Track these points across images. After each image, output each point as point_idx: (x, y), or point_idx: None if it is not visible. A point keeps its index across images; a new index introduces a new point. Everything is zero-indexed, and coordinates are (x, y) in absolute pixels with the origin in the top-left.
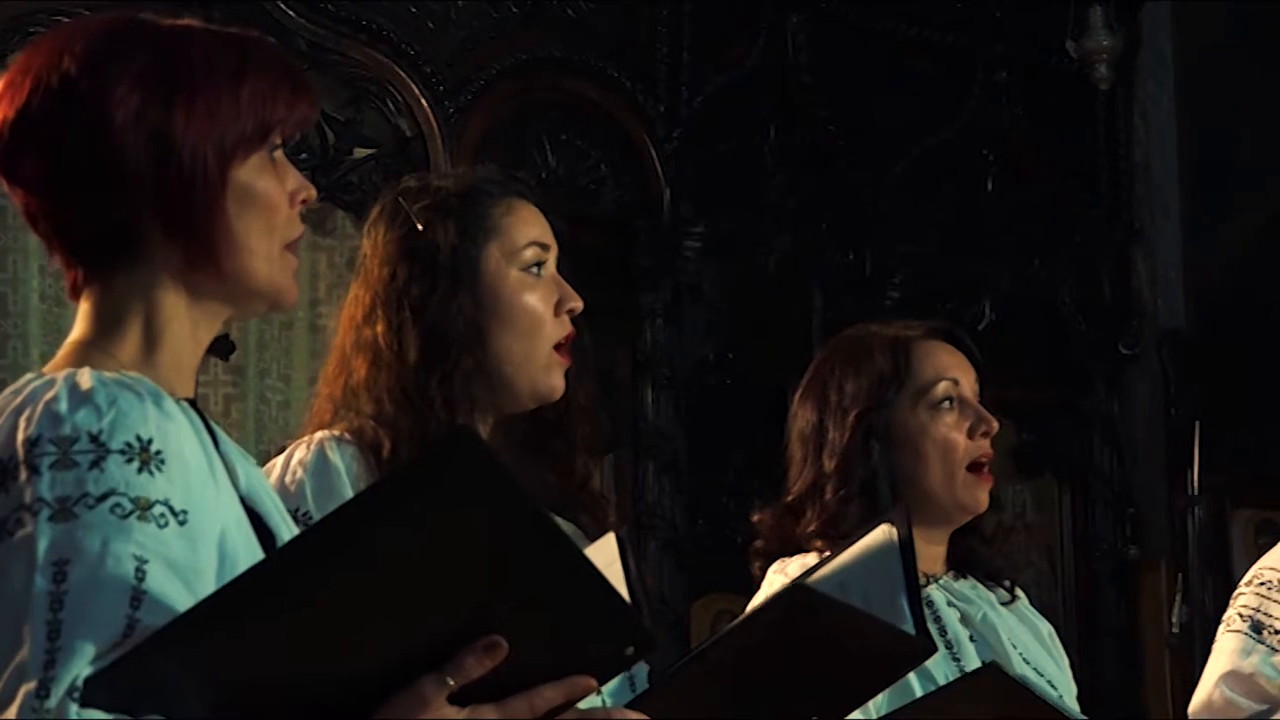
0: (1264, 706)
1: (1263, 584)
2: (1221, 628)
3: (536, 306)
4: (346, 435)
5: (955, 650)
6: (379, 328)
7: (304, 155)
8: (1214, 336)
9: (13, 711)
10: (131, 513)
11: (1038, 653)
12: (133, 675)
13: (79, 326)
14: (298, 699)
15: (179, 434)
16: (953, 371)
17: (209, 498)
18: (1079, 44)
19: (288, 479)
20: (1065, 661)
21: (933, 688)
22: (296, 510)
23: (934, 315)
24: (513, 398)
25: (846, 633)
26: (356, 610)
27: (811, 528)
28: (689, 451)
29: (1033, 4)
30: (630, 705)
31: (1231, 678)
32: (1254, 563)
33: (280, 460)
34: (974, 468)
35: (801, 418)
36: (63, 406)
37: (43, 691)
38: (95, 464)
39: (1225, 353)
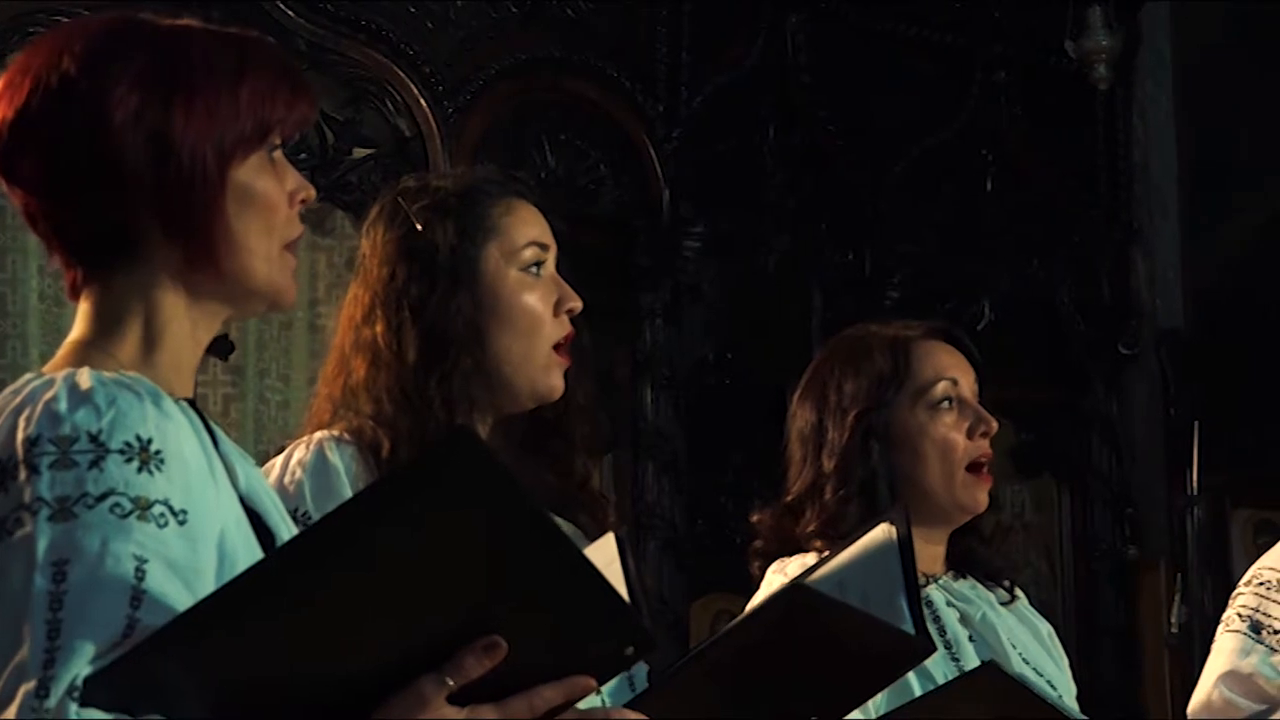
0: (1263, 706)
1: (1262, 584)
2: (1220, 628)
3: (535, 306)
4: (345, 435)
5: (954, 650)
6: (378, 328)
7: (303, 155)
8: (1213, 336)
9: (12, 711)
10: (131, 512)
11: (1037, 653)
12: (132, 675)
13: (78, 326)
14: (297, 698)
15: (178, 434)
16: (952, 371)
17: (208, 497)
18: (1078, 44)
19: (287, 479)
20: (1065, 661)
21: (932, 687)
22: (296, 510)
23: (933, 315)
24: (512, 398)
25: (845, 632)
26: (356, 610)
27: (811, 528)
28: (688, 451)
29: (1032, 4)
30: (629, 705)
31: (1230, 678)
32: (1253, 563)
33: (279, 460)
34: (973, 468)
35: (801, 418)
36: (62, 406)
37: (42, 691)
38: (95, 464)
39: (1224, 353)
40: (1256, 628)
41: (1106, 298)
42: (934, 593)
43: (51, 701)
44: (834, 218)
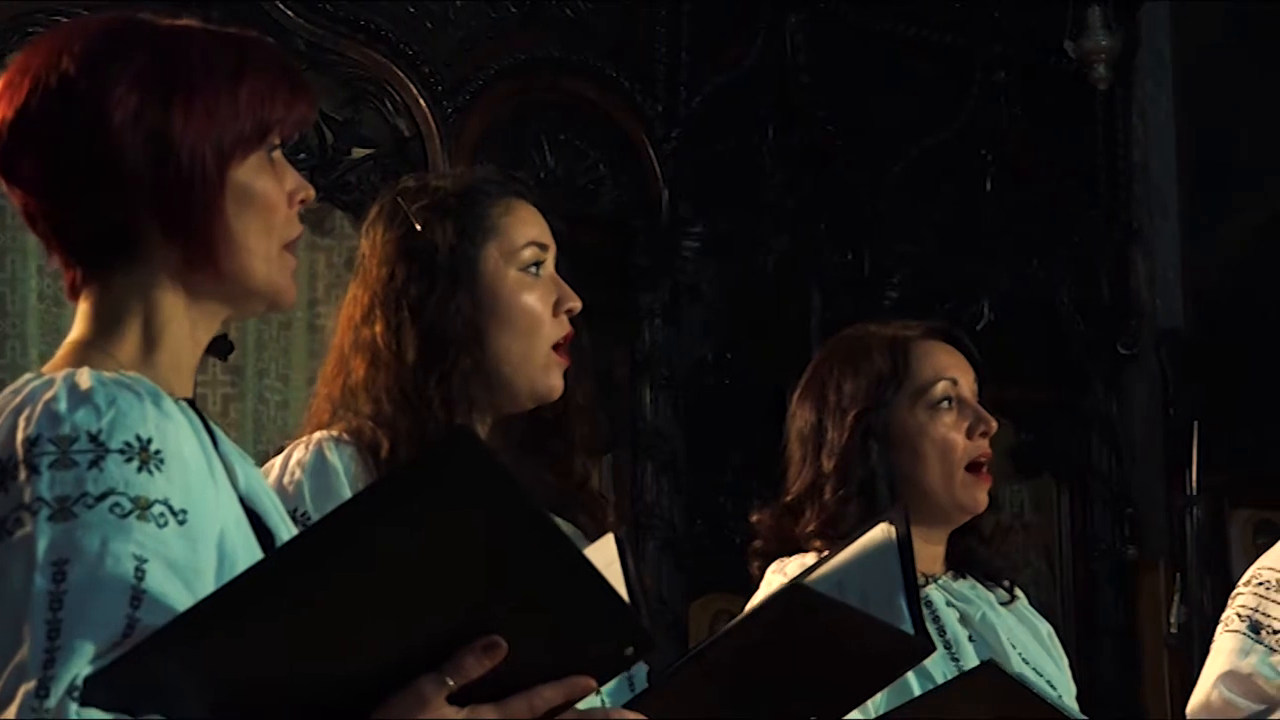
0: (1262, 706)
1: (1261, 584)
2: (1220, 628)
3: (535, 306)
4: (345, 435)
5: (954, 650)
6: (377, 328)
7: (302, 155)
8: (1212, 336)
9: (12, 711)
10: (131, 512)
11: (1037, 653)
12: (132, 675)
13: (78, 326)
14: (297, 699)
15: (178, 434)
16: (951, 371)
17: (208, 497)
18: (1077, 44)
19: (286, 479)
20: (1064, 661)
21: (931, 687)
22: (295, 511)
23: (932, 315)
24: (511, 397)
25: (845, 632)
26: (355, 610)
27: (810, 528)
28: (687, 451)
29: (1031, 4)
30: (629, 705)
31: (1230, 678)
32: (1252, 563)
33: (278, 461)
34: (973, 467)
35: (800, 418)
36: (62, 406)
37: (42, 691)
38: (94, 463)
39: (1224, 353)
40: (1256, 628)
41: (1106, 298)
42: (933, 593)
43: (51, 701)
44: (833, 218)
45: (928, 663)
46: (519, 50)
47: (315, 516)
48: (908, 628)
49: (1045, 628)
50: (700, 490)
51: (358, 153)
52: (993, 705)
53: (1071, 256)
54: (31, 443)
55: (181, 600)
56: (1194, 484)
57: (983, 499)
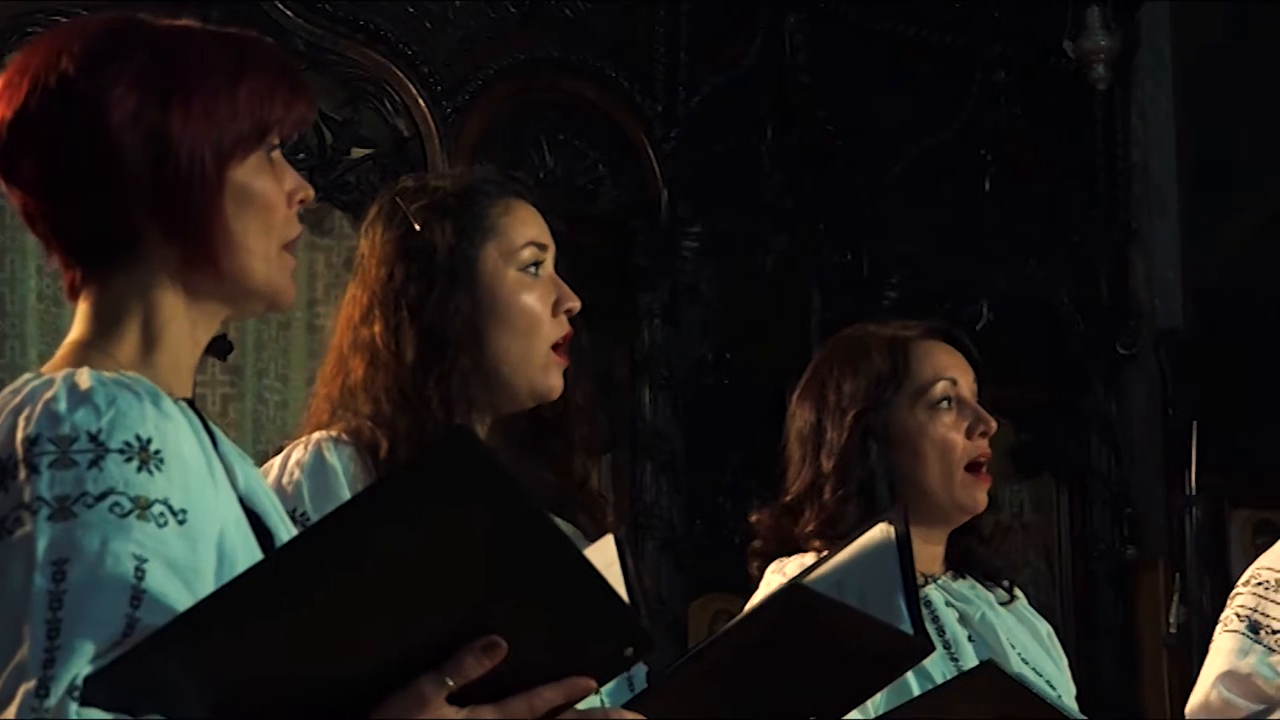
0: (1261, 706)
1: (1260, 584)
2: (1219, 628)
3: (534, 306)
4: (344, 436)
5: (953, 650)
6: (376, 328)
7: (301, 155)
8: (1212, 337)
9: (12, 710)
10: (131, 512)
11: (1036, 653)
12: (132, 674)
13: (77, 327)
14: (297, 699)
15: (178, 434)
16: (951, 371)
17: (208, 498)
18: (1077, 44)
19: (285, 480)
20: (1064, 661)
21: (930, 687)
22: (294, 511)
23: (932, 315)
24: (511, 397)
25: (844, 632)
26: (355, 610)
27: (810, 528)
28: (687, 451)
29: (1031, 4)
30: (628, 705)
31: (1229, 678)
32: (1251, 563)
33: (277, 461)
34: (972, 467)
35: (800, 418)
36: (62, 406)
37: (42, 690)
38: (94, 463)
39: (1223, 353)
40: (1255, 628)
41: (1105, 298)
42: (933, 593)
43: (52, 701)
44: (832, 218)
45: (927, 663)
46: (518, 50)
47: (314, 516)
48: (907, 628)
49: (1045, 628)
50: (699, 490)
51: (357, 153)
52: (992, 705)
53: (1071, 256)
54: (31, 442)
55: (181, 600)
56: (1193, 484)
57: (982, 499)
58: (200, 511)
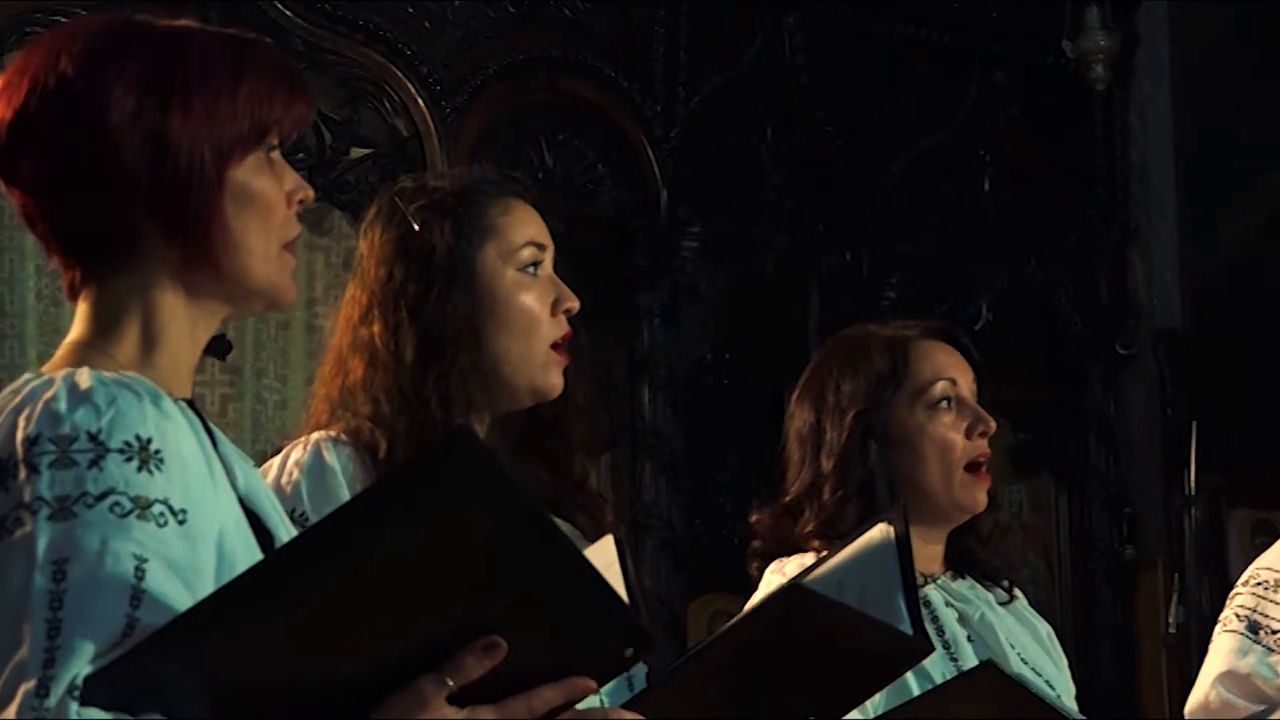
0: (1260, 706)
1: (1259, 584)
2: (1218, 628)
3: (533, 306)
4: (343, 436)
5: (953, 650)
6: (375, 328)
7: (301, 155)
8: (1210, 337)
9: (12, 710)
10: (131, 511)
11: (1036, 653)
12: (132, 674)
13: (77, 327)
14: (297, 699)
15: (178, 434)
16: (950, 371)
17: (208, 498)
18: (1076, 44)
19: (284, 480)
20: (1064, 662)
21: (930, 687)
22: (293, 511)
23: (931, 315)
24: (512, 395)
25: (843, 632)
26: (355, 611)
27: (809, 528)
28: (686, 451)
29: (1029, 4)
30: (628, 705)
31: (1228, 678)
32: (1250, 563)
33: (276, 461)
34: (971, 467)
35: (799, 418)
36: (62, 405)
37: (42, 690)
38: (94, 463)
39: (1222, 353)
40: (1254, 628)
41: (1104, 298)
42: (932, 593)
43: (52, 700)
44: (832, 218)
45: (926, 663)
46: (517, 50)
47: (313, 517)
48: (906, 628)
49: (1044, 628)
50: (699, 490)
51: (356, 153)
52: (991, 705)
53: (1069, 256)
54: (31, 442)
55: (181, 600)
56: (1192, 484)
57: (982, 499)
58: (200, 512)
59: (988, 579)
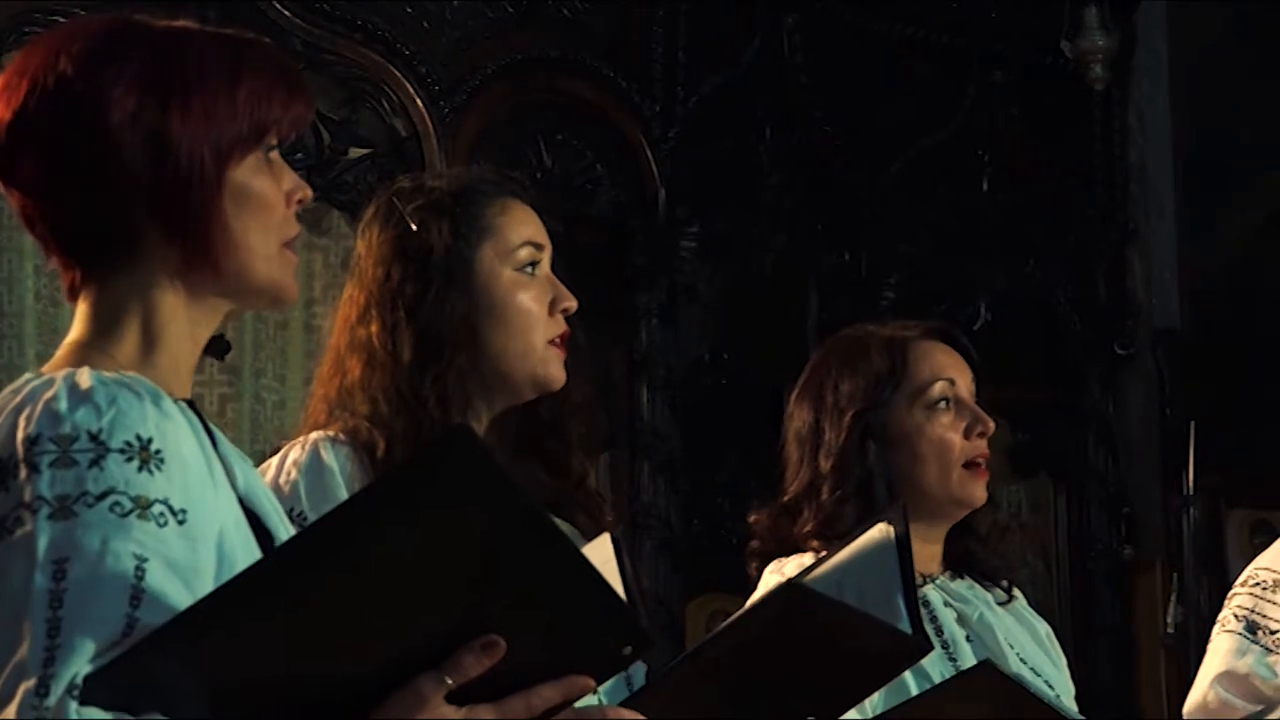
0: (1259, 706)
1: (1258, 584)
2: (1216, 628)
3: (530, 306)
4: (341, 436)
5: (952, 650)
6: (373, 328)
7: (299, 155)
8: (1209, 337)
9: (12, 709)
10: (131, 511)
11: (1035, 653)
12: (132, 673)
13: (77, 327)
14: (297, 698)
15: (178, 434)
16: (949, 371)
17: (208, 498)
18: (1074, 44)
19: (282, 479)
20: (1063, 662)
21: (928, 687)
22: (291, 510)
23: (930, 315)
24: (514, 389)
25: (842, 631)
26: (353, 610)
27: (808, 528)
28: (685, 451)
29: (1028, 5)
30: (626, 704)
31: (1226, 678)
32: (1249, 563)
33: (275, 461)
34: (970, 466)
35: (798, 418)
36: (62, 405)
37: (42, 689)
38: (95, 462)
39: (1220, 353)
40: (1252, 628)
41: (1103, 298)
42: (931, 593)
43: (51, 700)
44: (830, 218)
45: (925, 663)
46: (516, 50)
47: (312, 516)
48: (905, 627)
49: (1044, 628)
50: (697, 490)
51: (355, 153)
52: (990, 705)
53: (1068, 257)
54: (32, 441)
55: (181, 599)
56: (1190, 484)
57: (981, 493)
58: (200, 512)
59: (986, 579)
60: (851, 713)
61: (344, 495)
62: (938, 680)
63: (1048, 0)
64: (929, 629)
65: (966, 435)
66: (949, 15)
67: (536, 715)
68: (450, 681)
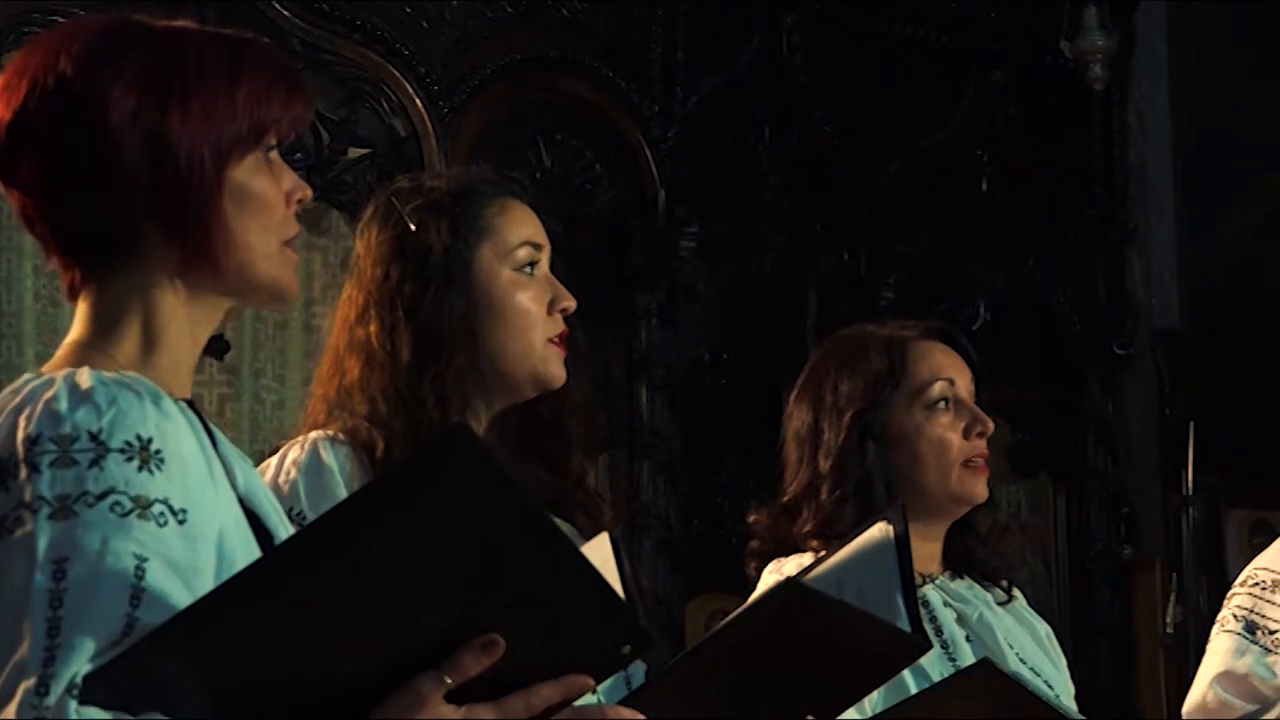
0: (1257, 706)
1: (1257, 584)
2: (1215, 628)
3: (529, 305)
4: (340, 435)
5: (951, 650)
6: (372, 328)
7: (299, 155)
8: (1208, 336)
9: (12, 709)
10: (131, 511)
11: (1034, 653)
12: (131, 673)
13: (77, 327)
14: (296, 697)
15: (178, 434)
16: (948, 372)
17: (208, 498)
18: (1074, 44)
19: (281, 479)
20: (1063, 662)
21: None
22: (290, 510)
23: (929, 316)
24: (514, 388)
25: (841, 629)
26: (352, 610)
27: (807, 528)
28: (684, 451)
29: (1027, 4)
30: (625, 702)
31: (1225, 678)
32: (1248, 563)
33: (274, 460)
34: (969, 464)
35: (797, 418)
36: (62, 405)
37: (42, 689)
38: (95, 462)
39: (1220, 353)
40: (1251, 628)
41: (1102, 298)
42: (931, 593)
43: (51, 699)
44: (829, 218)
45: (925, 663)
46: (515, 50)
47: (311, 516)
48: (904, 625)
49: (1043, 628)
50: (697, 490)
51: (354, 153)
52: (988, 703)
53: (1068, 257)
54: (32, 441)
55: (181, 599)
56: (1190, 484)
57: (982, 490)
58: (200, 511)
59: (986, 579)
60: (851, 712)
61: (343, 495)
62: (937, 680)
63: (1047, 0)
64: (928, 629)
65: (966, 435)
66: (948, 15)
67: (536, 714)
68: (449, 681)
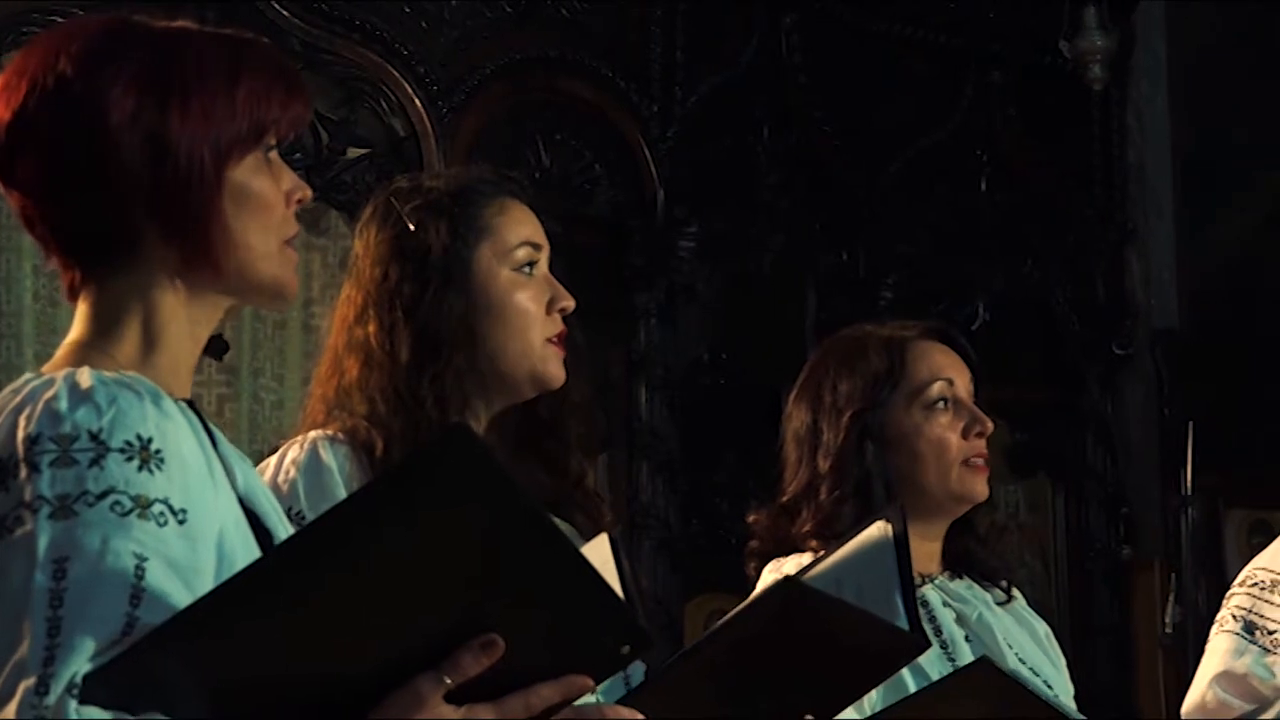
0: (1256, 706)
1: (1255, 584)
2: (1214, 628)
3: (528, 305)
4: (339, 435)
5: (950, 650)
6: (371, 328)
7: (298, 155)
8: (1207, 337)
9: (12, 708)
10: (131, 510)
11: (1034, 653)
12: (131, 673)
13: (77, 327)
14: (296, 697)
15: (178, 434)
16: (947, 372)
17: (208, 498)
18: (1073, 44)
19: (280, 479)
20: (1062, 662)
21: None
22: (290, 510)
23: (928, 316)
24: (513, 388)
25: (840, 628)
26: (352, 610)
27: (806, 528)
28: (683, 452)
29: (1026, 4)
30: (624, 701)
31: (1224, 678)
32: (1247, 563)
33: (273, 460)
34: (968, 464)
35: (796, 418)
36: (63, 405)
37: (42, 688)
38: (95, 462)
39: (1219, 353)
40: (1250, 628)
41: (1101, 298)
42: (930, 593)
43: (51, 699)
44: (828, 218)
45: (924, 662)
46: (514, 50)
47: (310, 515)
48: (903, 624)
49: (1043, 628)
50: (696, 490)
51: (353, 153)
52: (987, 702)
53: (1067, 257)
54: (32, 441)
55: (181, 599)
56: (1189, 484)
57: (982, 488)
58: (200, 511)
59: (985, 579)
60: (849, 711)
61: (342, 494)
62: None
63: (1046, 0)
64: (927, 629)
65: (965, 435)
66: (947, 15)
67: (535, 714)
68: (449, 681)
